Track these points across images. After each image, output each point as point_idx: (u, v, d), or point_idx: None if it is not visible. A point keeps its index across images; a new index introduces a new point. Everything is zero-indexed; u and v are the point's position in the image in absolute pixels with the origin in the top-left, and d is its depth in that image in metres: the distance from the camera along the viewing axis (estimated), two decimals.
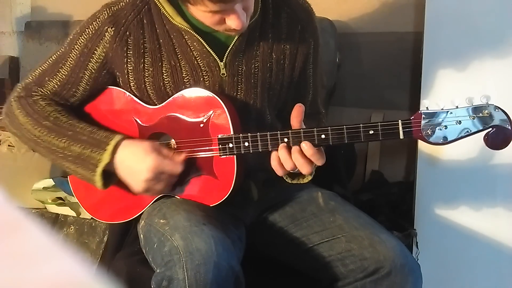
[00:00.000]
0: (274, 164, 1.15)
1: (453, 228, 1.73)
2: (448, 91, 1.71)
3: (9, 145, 2.04)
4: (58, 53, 1.26)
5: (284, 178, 1.23)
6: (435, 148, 1.76)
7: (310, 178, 1.21)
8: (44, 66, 1.27)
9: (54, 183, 1.97)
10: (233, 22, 1.11)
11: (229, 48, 1.21)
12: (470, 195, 1.72)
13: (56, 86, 1.25)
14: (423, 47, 1.81)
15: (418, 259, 1.66)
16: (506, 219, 1.69)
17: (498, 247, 1.69)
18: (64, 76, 1.24)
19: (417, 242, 1.74)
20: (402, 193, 1.99)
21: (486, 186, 1.71)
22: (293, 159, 1.13)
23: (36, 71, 1.27)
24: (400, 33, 2.10)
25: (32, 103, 1.23)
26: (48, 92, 1.25)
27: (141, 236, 1.22)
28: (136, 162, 1.15)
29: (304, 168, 1.13)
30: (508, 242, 1.68)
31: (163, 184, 1.18)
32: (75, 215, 1.92)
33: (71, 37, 1.26)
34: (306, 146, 1.11)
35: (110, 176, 1.19)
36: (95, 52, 1.22)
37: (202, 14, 1.12)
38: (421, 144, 1.80)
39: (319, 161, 1.13)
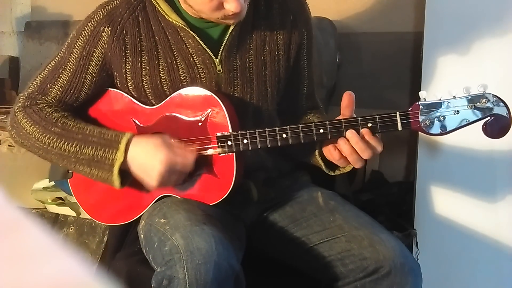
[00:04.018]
0: (335, 154, 1.16)
1: (453, 228, 1.73)
2: (448, 91, 1.71)
3: (9, 145, 2.04)
4: (57, 58, 1.26)
5: (326, 171, 1.24)
6: (435, 147, 1.76)
7: (351, 167, 1.21)
8: (44, 73, 1.26)
9: (54, 183, 1.97)
10: (231, 5, 1.10)
11: (223, 44, 1.21)
12: (470, 195, 1.72)
13: (58, 92, 1.24)
14: (423, 47, 1.81)
15: (418, 259, 1.66)
16: (506, 219, 1.68)
17: (498, 247, 1.69)
18: (65, 82, 1.24)
19: (417, 242, 1.74)
20: (402, 193, 1.99)
21: (486, 186, 1.71)
22: (353, 145, 1.12)
23: (37, 79, 1.26)
24: (400, 33, 2.10)
25: (38, 111, 1.22)
26: (53, 100, 1.24)
27: (142, 236, 1.22)
28: (148, 158, 1.15)
29: (365, 153, 1.13)
30: (508, 242, 1.68)
31: (176, 177, 1.18)
32: (75, 215, 1.92)
33: (68, 41, 1.25)
34: (365, 131, 1.12)
35: (126, 175, 1.19)
36: (94, 54, 1.22)
37: (200, 0, 1.12)
38: (421, 144, 1.80)
39: (378, 147, 1.13)
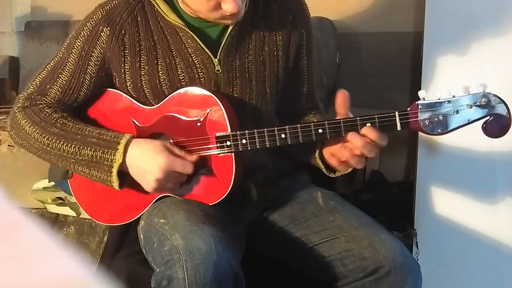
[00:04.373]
0: (333, 161, 1.16)
1: (453, 228, 1.73)
2: (447, 90, 1.71)
3: (9, 145, 2.04)
4: (56, 58, 1.26)
5: (327, 173, 1.24)
6: (435, 148, 1.76)
7: (350, 169, 1.21)
8: (43, 74, 1.26)
9: (54, 183, 1.97)
10: (229, 5, 1.10)
11: (222, 44, 1.21)
12: (470, 195, 1.72)
13: (58, 92, 1.24)
14: (423, 47, 1.81)
15: (418, 259, 1.65)
16: (506, 219, 1.68)
17: (498, 247, 1.69)
18: (64, 82, 1.24)
19: (417, 242, 1.74)
20: (402, 193, 1.99)
21: (487, 186, 1.71)
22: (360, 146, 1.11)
23: (36, 79, 1.26)
24: (400, 33, 2.10)
25: (38, 111, 1.22)
26: (52, 101, 1.24)
27: (141, 236, 1.22)
28: (147, 162, 1.15)
29: (373, 152, 1.12)
30: (508, 242, 1.68)
31: (173, 183, 1.18)
32: (75, 215, 1.92)
33: (67, 41, 1.25)
34: (367, 130, 1.11)
35: (125, 176, 1.19)
36: (93, 54, 1.22)
37: (198, 0, 1.12)
38: (421, 144, 1.80)
39: (383, 142, 1.12)
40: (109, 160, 1.16)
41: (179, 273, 1.03)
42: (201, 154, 1.20)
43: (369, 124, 1.12)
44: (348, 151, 1.13)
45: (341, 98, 1.15)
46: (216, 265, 1.03)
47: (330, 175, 1.26)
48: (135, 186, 1.24)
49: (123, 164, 1.16)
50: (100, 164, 1.17)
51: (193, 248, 1.05)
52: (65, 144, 1.19)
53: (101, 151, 1.16)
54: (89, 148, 1.17)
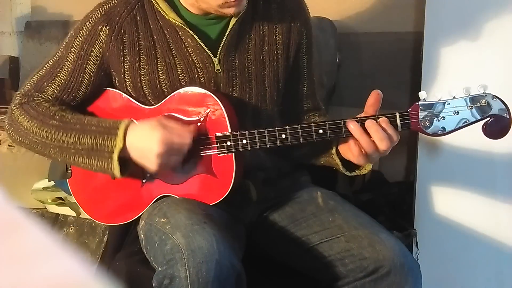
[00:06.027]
0: (354, 150, 1.15)
1: (453, 228, 1.73)
2: (448, 91, 1.71)
3: (9, 145, 2.04)
4: (55, 57, 1.25)
5: (343, 170, 1.23)
6: (435, 148, 1.76)
7: (370, 167, 1.19)
8: (41, 72, 1.25)
9: (54, 183, 1.97)
10: None
11: (222, 44, 1.21)
12: (470, 195, 1.72)
13: (56, 91, 1.23)
14: (423, 47, 1.82)
15: (418, 259, 1.66)
16: (506, 219, 1.69)
17: (498, 247, 1.69)
18: (63, 81, 1.23)
19: (417, 242, 1.74)
20: (402, 193, 1.99)
21: (487, 186, 1.71)
22: (371, 133, 1.11)
23: (34, 77, 1.26)
24: (400, 33, 2.10)
25: (35, 106, 1.22)
26: (50, 98, 1.23)
27: (142, 235, 1.21)
28: (145, 140, 1.14)
29: (384, 143, 1.11)
30: (508, 242, 1.68)
31: (175, 157, 1.16)
32: (75, 215, 1.92)
33: (66, 40, 1.25)
34: (382, 120, 1.11)
35: (126, 164, 1.18)
36: (92, 53, 1.22)
37: None
38: (421, 144, 1.80)
39: (394, 136, 1.11)
40: (110, 147, 1.15)
41: (181, 272, 1.03)
42: (200, 154, 1.19)
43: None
44: (366, 136, 1.12)
45: (374, 98, 1.14)
46: (218, 264, 1.03)
47: (346, 173, 1.25)
48: (135, 185, 1.24)
49: (123, 150, 1.15)
50: (101, 151, 1.16)
51: (195, 247, 1.05)
52: (65, 134, 1.18)
53: (101, 138, 1.15)
54: (88, 136, 1.16)
